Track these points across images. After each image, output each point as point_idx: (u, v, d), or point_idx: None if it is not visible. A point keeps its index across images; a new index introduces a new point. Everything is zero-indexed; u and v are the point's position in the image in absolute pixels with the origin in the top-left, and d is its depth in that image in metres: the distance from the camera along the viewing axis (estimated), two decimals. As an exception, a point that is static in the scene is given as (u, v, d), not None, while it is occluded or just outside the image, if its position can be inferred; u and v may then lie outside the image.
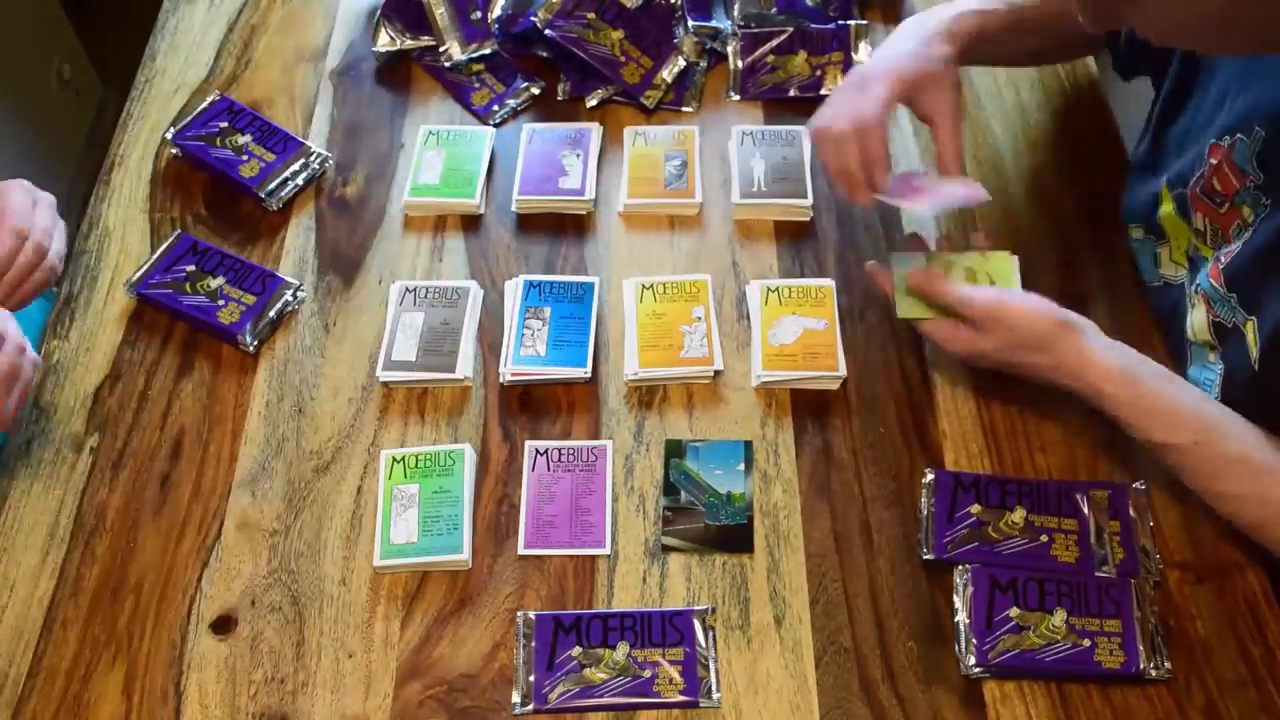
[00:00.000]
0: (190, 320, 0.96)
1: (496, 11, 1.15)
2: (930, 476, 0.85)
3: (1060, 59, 1.12)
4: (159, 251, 0.99)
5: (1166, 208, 0.92)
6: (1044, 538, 0.82)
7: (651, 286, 0.97)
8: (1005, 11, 0.95)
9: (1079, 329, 0.81)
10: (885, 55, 0.92)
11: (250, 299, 0.96)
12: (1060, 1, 0.96)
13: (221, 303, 0.96)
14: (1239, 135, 0.82)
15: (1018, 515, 0.83)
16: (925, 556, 0.82)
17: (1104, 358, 0.80)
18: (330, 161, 1.08)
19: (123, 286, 0.98)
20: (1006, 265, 0.88)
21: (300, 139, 1.08)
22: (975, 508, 0.84)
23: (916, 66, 0.90)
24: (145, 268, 0.98)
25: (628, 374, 0.92)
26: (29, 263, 0.89)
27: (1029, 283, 0.88)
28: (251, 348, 0.94)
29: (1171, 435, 0.79)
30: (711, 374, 0.92)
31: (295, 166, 1.05)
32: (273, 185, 1.04)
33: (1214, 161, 0.84)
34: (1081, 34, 0.98)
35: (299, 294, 0.98)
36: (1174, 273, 0.93)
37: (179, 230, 1.01)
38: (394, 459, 0.87)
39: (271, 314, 0.96)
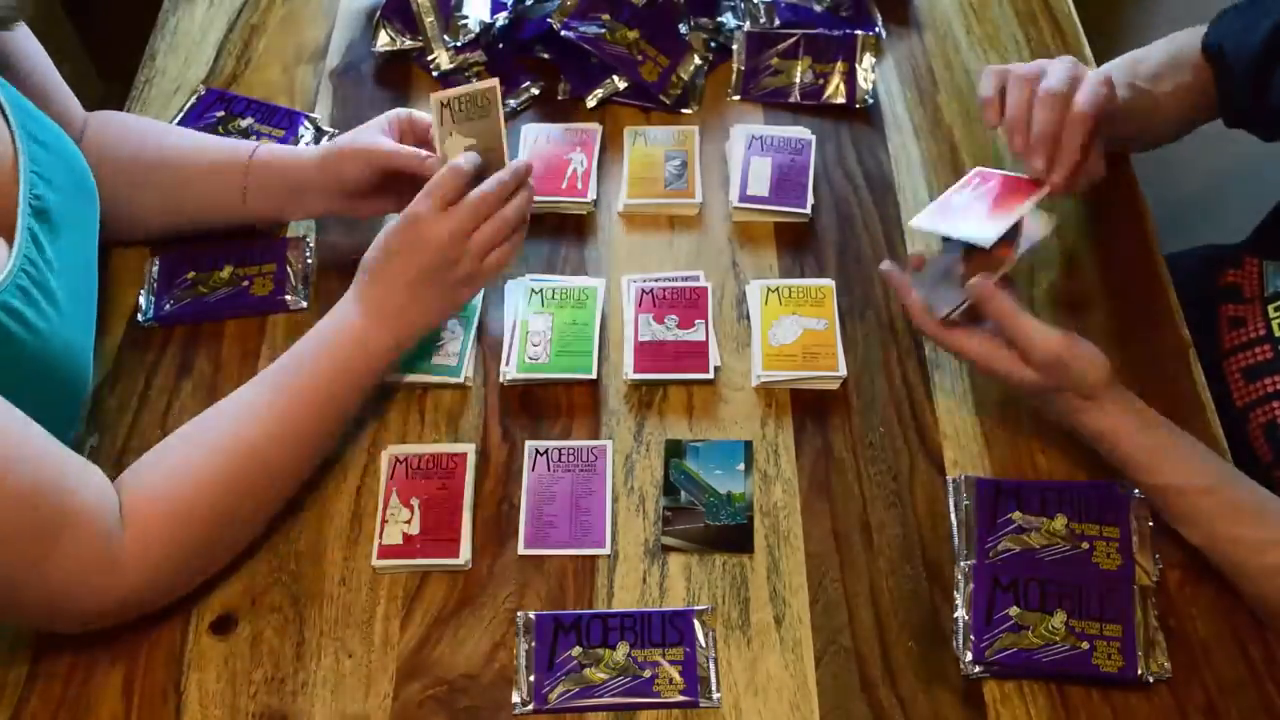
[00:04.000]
0: (228, 312, 0.96)
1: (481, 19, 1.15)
2: (959, 479, 0.86)
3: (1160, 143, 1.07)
4: (147, 281, 0.98)
5: None
6: (1085, 545, 0.82)
7: (651, 292, 0.97)
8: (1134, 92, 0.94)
9: (1117, 383, 0.80)
10: None
11: (270, 266, 0.97)
12: (1180, 96, 0.97)
13: (246, 283, 0.96)
14: None
15: (1059, 523, 0.83)
16: (966, 563, 0.81)
17: (1125, 403, 0.80)
18: (336, 134, 1.09)
19: (142, 277, 0.98)
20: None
21: (301, 111, 1.09)
22: (1016, 514, 0.84)
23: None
24: (150, 298, 0.97)
25: (626, 374, 0.92)
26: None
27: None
28: (305, 303, 0.97)
29: (1183, 477, 0.79)
30: (711, 374, 0.93)
31: (308, 138, 1.07)
32: None
33: None
34: (1176, 126, 1.00)
35: (308, 241, 1.00)
36: None
37: (153, 258, 0.99)
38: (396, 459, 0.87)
39: (301, 269, 0.98)
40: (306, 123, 1.08)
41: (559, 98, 1.13)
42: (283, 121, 1.07)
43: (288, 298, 0.96)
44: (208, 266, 0.98)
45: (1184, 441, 0.81)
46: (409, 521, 0.84)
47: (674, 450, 0.89)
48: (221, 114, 1.08)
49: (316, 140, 1.08)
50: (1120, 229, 1.03)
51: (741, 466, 0.88)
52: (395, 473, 0.86)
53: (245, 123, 1.07)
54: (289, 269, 0.97)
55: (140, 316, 0.96)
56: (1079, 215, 1.04)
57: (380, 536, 0.84)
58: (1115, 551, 0.82)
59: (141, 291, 0.97)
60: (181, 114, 1.08)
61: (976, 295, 0.80)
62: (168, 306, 0.96)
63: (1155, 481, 0.80)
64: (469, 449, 0.88)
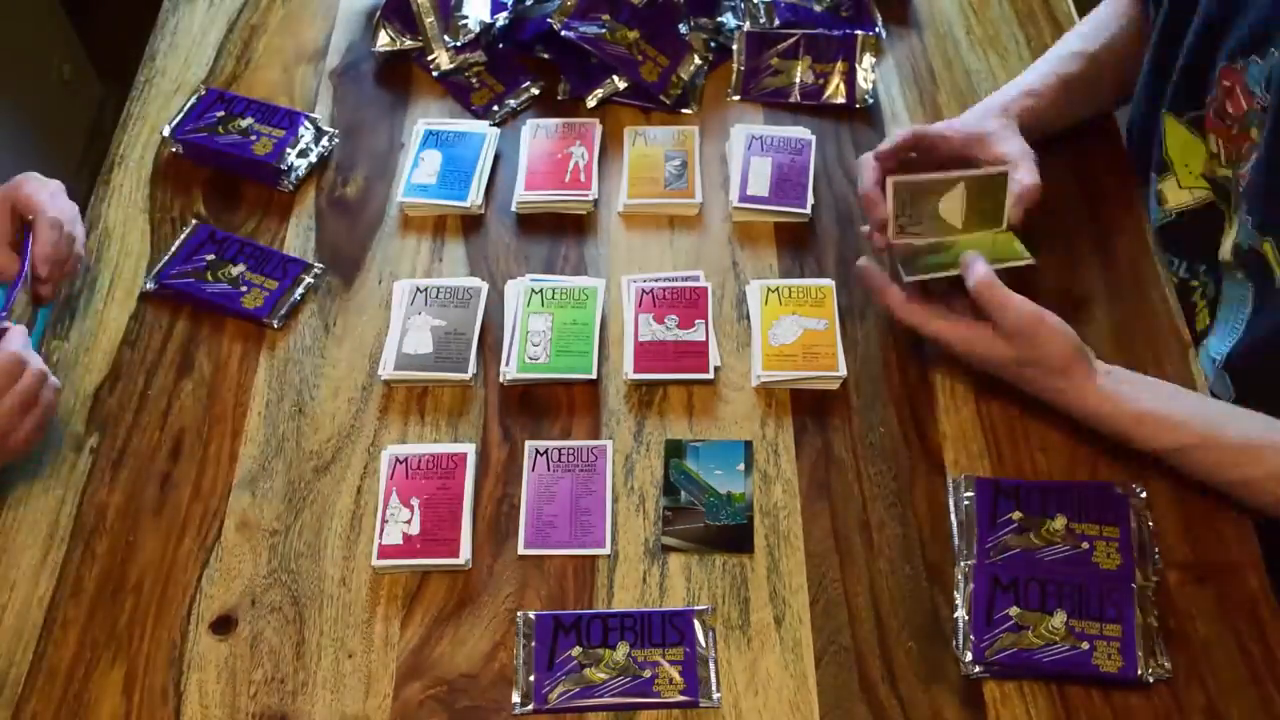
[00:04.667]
0: (213, 308, 0.97)
1: (484, 20, 1.15)
2: (959, 479, 0.86)
3: (1110, 107, 1.11)
4: (177, 243, 0.99)
5: (1175, 136, 0.92)
6: (1085, 544, 0.82)
7: (651, 291, 0.97)
8: (1056, 84, 0.98)
9: (1089, 357, 0.84)
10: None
11: (272, 284, 0.97)
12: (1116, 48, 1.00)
13: (244, 289, 0.97)
14: (1253, 57, 0.83)
15: (1059, 523, 0.83)
16: (966, 563, 0.82)
17: (1103, 381, 0.83)
18: (336, 137, 1.09)
19: (134, 289, 0.98)
20: (1012, 244, 0.89)
21: (301, 111, 1.09)
22: (1016, 514, 0.84)
23: (967, 124, 0.95)
24: (165, 259, 0.98)
25: (626, 374, 0.92)
26: (73, 254, 0.91)
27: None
28: (278, 324, 0.96)
29: (1176, 438, 0.82)
30: (710, 374, 0.92)
31: (308, 138, 1.07)
32: (291, 158, 1.05)
33: (1227, 84, 0.86)
34: (1125, 76, 1.02)
35: (318, 275, 0.99)
36: (1187, 199, 0.94)
37: (195, 221, 1.01)
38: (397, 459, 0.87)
39: (295, 297, 0.97)
40: (306, 123, 1.08)
41: (559, 98, 1.13)
42: (283, 121, 1.07)
43: (267, 321, 0.96)
44: (228, 256, 0.99)
45: (1166, 401, 0.83)
46: (409, 521, 0.84)
47: (674, 450, 0.89)
48: (221, 114, 1.08)
49: (316, 140, 1.08)
50: (1120, 229, 1.03)
51: (741, 466, 0.88)
52: (395, 473, 0.86)
53: (245, 123, 1.07)
54: (285, 292, 0.97)
55: (149, 279, 0.98)
56: (1079, 217, 1.04)
57: (380, 536, 0.84)
58: (1115, 551, 0.82)
59: (169, 250, 0.99)
60: (182, 114, 1.08)
61: (963, 262, 0.85)
62: (171, 273, 0.97)
63: (1154, 446, 0.83)
64: (469, 449, 0.88)
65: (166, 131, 1.07)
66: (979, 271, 0.84)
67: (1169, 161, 0.95)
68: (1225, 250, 0.90)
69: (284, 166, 1.04)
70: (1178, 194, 0.95)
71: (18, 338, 0.83)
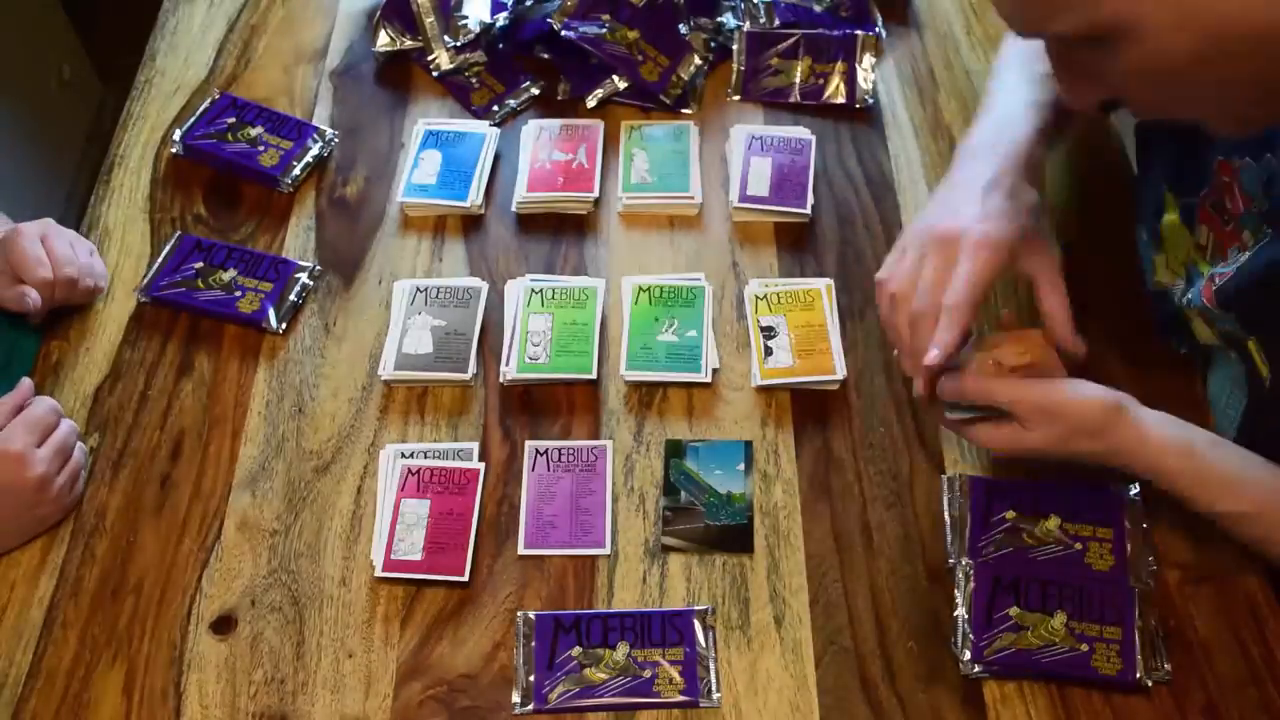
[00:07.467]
0: (210, 315, 0.96)
1: (489, 20, 1.15)
2: (954, 477, 0.86)
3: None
4: (163, 255, 0.99)
5: (1171, 216, 0.90)
6: (1078, 545, 0.82)
7: (649, 289, 0.97)
8: (1051, 110, 0.88)
9: (1127, 408, 0.78)
10: (967, 208, 0.81)
11: (267, 286, 0.97)
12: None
13: (239, 294, 0.96)
14: (1248, 159, 0.79)
15: (1052, 523, 0.83)
16: (951, 563, 0.82)
17: (1158, 433, 0.78)
18: (336, 140, 1.09)
19: (132, 293, 0.98)
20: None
21: (310, 123, 1.09)
22: (1010, 514, 0.84)
23: (1012, 233, 0.79)
24: (152, 272, 0.98)
25: (623, 375, 0.92)
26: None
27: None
28: (283, 326, 0.96)
29: (1234, 503, 0.77)
30: (710, 375, 0.92)
31: (315, 150, 1.07)
32: (296, 171, 1.05)
33: (1225, 179, 0.82)
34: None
35: (314, 274, 0.99)
36: (1169, 281, 0.92)
37: (179, 231, 1.01)
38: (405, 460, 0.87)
39: (292, 296, 0.97)
40: (315, 135, 1.07)
41: (559, 98, 1.13)
42: (291, 133, 1.07)
43: (268, 319, 0.96)
44: (216, 262, 0.98)
45: (1224, 459, 0.79)
46: (417, 540, 0.83)
47: (674, 450, 0.89)
48: (232, 120, 1.08)
49: (323, 154, 1.08)
50: (1121, 233, 1.02)
51: (741, 466, 0.88)
52: (407, 484, 0.86)
53: (255, 131, 1.06)
54: (283, 293, 0.97)
55: (135, 289, 0.97)
56: (1080, 221, 1.04)
57: (389, 551, 0.83)
58: (1109, 553, 0.82)
59: (155, 263, 0.98)
60: (195, 117, 1.08)
61: (974, 394, 0.78)
62: (160, 285, 0.97)
63: (1205, 509, 0.79)
64: (481, 466, 0.87)
65: (177, 135, 1.07)
66: (973, 382, 0.78)
67: (1164, 241, 0.91)
68: (1206, 336, 0.85)
69: (287, 179, 1.05)
70: (1163, 272, 0.92)
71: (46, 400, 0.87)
